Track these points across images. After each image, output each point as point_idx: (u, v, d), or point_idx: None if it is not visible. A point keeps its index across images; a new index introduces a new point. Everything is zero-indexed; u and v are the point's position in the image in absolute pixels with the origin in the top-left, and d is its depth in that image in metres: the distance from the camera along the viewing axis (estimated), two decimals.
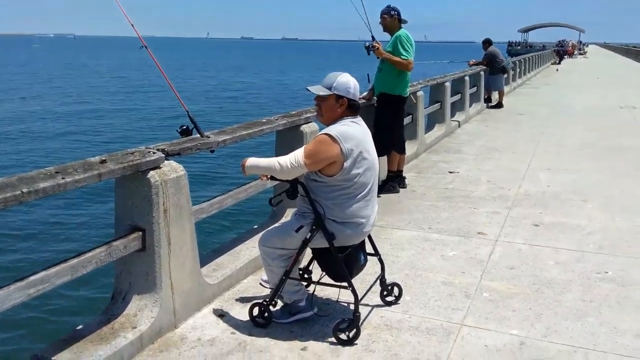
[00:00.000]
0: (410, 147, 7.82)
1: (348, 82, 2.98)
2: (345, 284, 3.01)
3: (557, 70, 29.75)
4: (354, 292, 2.97)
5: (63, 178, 2.53)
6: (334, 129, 2.90)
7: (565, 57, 41.05)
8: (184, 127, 3.57)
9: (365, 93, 6.05)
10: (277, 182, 3.45)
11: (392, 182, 6.02)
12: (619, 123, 11.08)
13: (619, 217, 5.14)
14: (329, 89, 2.96)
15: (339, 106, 2.98)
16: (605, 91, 17.99)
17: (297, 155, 2.90)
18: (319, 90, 3.03)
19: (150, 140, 3.49)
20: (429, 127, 9.65)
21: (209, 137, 3.58)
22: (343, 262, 3.00)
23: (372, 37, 5.74)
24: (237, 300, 3.52)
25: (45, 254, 7.41)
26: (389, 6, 5.65)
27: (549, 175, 6.74)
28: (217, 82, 40.81)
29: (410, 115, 7.69)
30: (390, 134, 5.82)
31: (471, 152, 8.29)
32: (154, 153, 3.08)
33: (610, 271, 3.93)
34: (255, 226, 4.55)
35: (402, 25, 5.65)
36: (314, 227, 2.96)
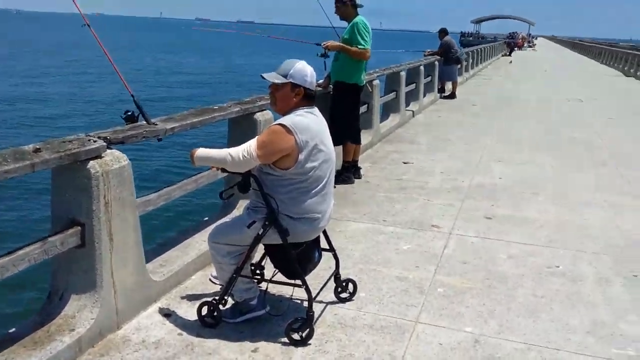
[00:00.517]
0: (365, 137, 7.74)
1: (305, 70, 2.84)
2: (299, 281, 2.89)
3: (510, 62, 30.39)
4: (307, 290, 2.86)
5: None
6: (288, 119, 2.76)
7: (515, 49, 42.02)
8: (129, 113, 3.36)
9: (321, 81, 5.92)
10: (228, 174, 3.27)
11: (348, 172, 5.94)
12: (568, 115, 11.38)
13: (569, 210, 5.23)
14: (285, 76, 2.82)
15: (294, 95, 2.84)
16: (554, 83, 18.49)
17: (250, 147, 2.75)
18: (273, 77, 2.88)
19: (93, 127, 3.27)
20: (383, 117, 9.63)
21: (156, 125, 3.37)
22: (297, 259, 2.88)
23: (316, 43, 5.61)
24: (184, 298, 3.35)
25: None
26: None
27: (501, 167, 6.81)
28: (169, 65, 39.41)
29: (366, 105, 7.62)
30: (346, 124, 5.72)
31: (425, 142, 8.31)
32: (94, 141, 2.86)
33: (561, 265, 3.97)
34: (206, 218, 4.37)
35: (358, 10, 5.52)
36: (266, 223, 2.82)
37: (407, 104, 10.81)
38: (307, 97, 2.85)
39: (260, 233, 2.84)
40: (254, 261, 3.21)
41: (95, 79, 27.13)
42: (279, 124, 2.74)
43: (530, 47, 56.21)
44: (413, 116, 10.65)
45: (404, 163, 6.91)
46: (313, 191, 2.80)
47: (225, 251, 2.94)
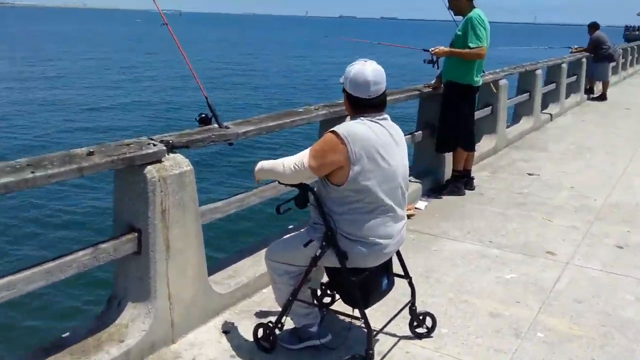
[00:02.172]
0: (487, 142, 7.09)
1: (356, 75, 2.44)
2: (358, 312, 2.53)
3: None
4: (367, 325, 2.49)
5: (32, 172, 2.25)
6: (343, 127, 2.41)
7: None
8: (203, 116, 3.23)
9: (433, 81, 5.43)
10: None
11: (457, 182, 5.38)
12: None
13: None
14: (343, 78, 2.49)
15: (347, 100, 2.49)
16: None
17: (303, 156, 2.44)
18: (342, 77, 2.55)
19: (169, 130, 3.18)
20: (514, 120, 8.78)
21: (227, 128, 3.20)
22: (358, 286, 2.52)
23: (423, 49, 5.13)
24: (249, 314, 3.15)
25: (43, 249, 6.60)
26: None
27: None
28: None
29: (490, 107, 6.93)
30: (457, 128, 5.17)
31: (558, 150, 7.37)
32: (154, 145, 2.74)
33: None
34: (291, 226, 4.14)
35: (474, 2, 4.94)
36: (324, 243, 2.50)
37: (545, 106, 9.78)
38: (359, 105, 2.46)
39: (317, 254, 2.53)
40: (323, 280, 2.91)
41: (178, 81, 24.69)
42: (332, 131, 2.40)
43: None
44: (551, 119, 9.59)
45: (529, 174, 6.14)
46: (373, 212, 2.42)
47: (282, 270, 2.68)
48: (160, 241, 2.73)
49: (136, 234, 2.72)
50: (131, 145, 2.69)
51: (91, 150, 2.54)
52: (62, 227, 7.56)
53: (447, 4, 5.04)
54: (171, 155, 2.82)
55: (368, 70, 2.42)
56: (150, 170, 2.67)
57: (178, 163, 2.81)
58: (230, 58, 38.85)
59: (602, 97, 12.09)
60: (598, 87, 12.41)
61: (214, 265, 3.39)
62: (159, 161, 2.73)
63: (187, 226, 2.87)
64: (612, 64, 12.87)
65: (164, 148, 2.76)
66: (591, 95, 12.18)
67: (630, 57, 17.57)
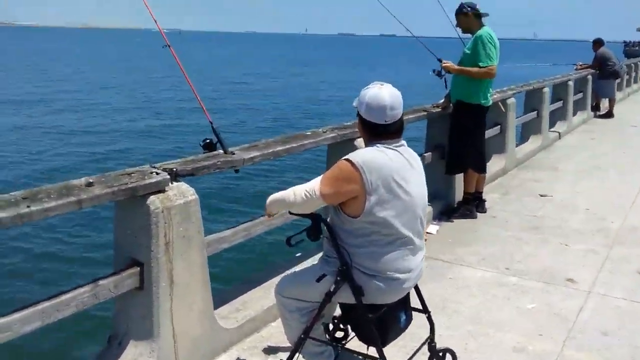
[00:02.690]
0: (497, 162, 6.94)
1: (371, 100, 2.29)
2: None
3: None
4: None
5: (28, 206, 2.10)
6: (358, 155, 2.26)
7: None
8: (208, 141, 3.09)
9: (441, 101, 5.31)
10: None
11: (469, 205, 5.23)
12: None
13: None
14: (357, 102, 2.35)
15: (362, 126, 2.34)
16: None
17: (315, 184, 2.29)
18: (356, 100, 2.41)
19: (172, 157, 3.04)
20: (522, 139, 8.64)
21: (233, 154, 3.06)
22: (375, 323, 2.36)
23: (438, 58, 4.99)
24: (258, 350, 2.98)
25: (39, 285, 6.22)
26: (461, 3, 4.86)
27: None
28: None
29: (499, 126, 6.80)
30: (467, 149, 5.03)
31: (570, 169, 7.22)
32: (157, 174, 2.61)
33: None
34: (299, 254, 3.98)
35: (483, 19, 4.83)
36: (338, 278, 2.34)
37: (553, 125, 9.66)
38: (375, 131, 2.31)
39: (331, 289, 2.37)
40: (336, 312, 2.75)
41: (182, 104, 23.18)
42: (346, 159, 2.25)
43: None
44: (559, 138, 9.45)
45: (541, 196, 5.98)
46: (391, 245, 2.26)
47: (293, 306, 2.51)
48: (164, 275, 2.58)
49: (138, 268, 2.57)
50: (133, 175, 2.55)
51: (90, 180, 2.40)
52: (59, 261, 7.17)
53: (455, 22, 4.93)
54: (175, 184, 2.67)
55: (385, 95, 2.28)
56: (154, 201, 2.53)
57: (182, 192, 2.67)
58: (232, 78, 38.33)
59: (609, 115, 11.97)
60: (604, 104, 12.30)
61: (221, 298, 3.23)
62: (163, 191, 2.59)
63: (192, 258, 2.72)
64: (618, 81, 12.78)
65: (168, 177, 2.62)
66: (598, 113, 12.07)
67: (634, 74, 17.50)
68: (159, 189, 2.57)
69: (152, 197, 2.53)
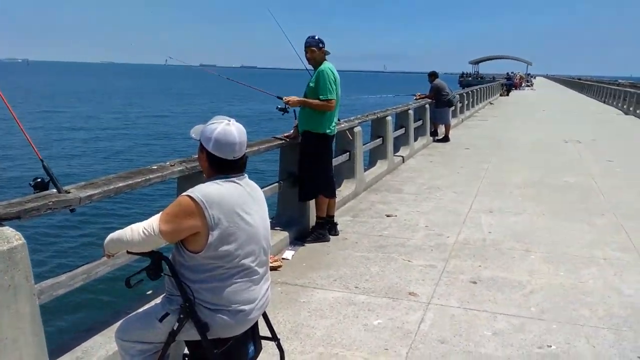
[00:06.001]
0: (348, 187, 7.29)
1: (220, 133, 2.29)
2: None
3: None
4: None
5: None
6: (199, 190, 2.25)
7: (513, 89, 41.85)
8: (39, 180, 2.87)
9: (290, 131, 5.49)
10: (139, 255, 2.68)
11: (321, 229, 5.42)
12: (564, 158, 10.88)
13: (563, 270, 4.68)
14: (198, 134, 2.35)
15: (205, 159, 2.35)
16: (551, 124, 18.08)
17: (153, 220, 2.24)
18: (192, 132, 2.41)
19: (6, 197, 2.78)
20: (370, 164, 9.18)
21: (68, 193, 2.89)
22: (223, 358, 2.34)
23: (277, 96, 5.27)
24: None
25: None
26: (315, 37, 5.12)
27: (491, 219, 6.28)
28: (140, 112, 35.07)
29: (348, 153, 7.18)
30: (317, 177, 5.25)
31: (412, 191, 7.80)
32: None
33: (554, 344, 3.40)
34: (149, 292, 3.83)
35: (326, 56, 5.13)
36: (182, 316, 2.30)
37: (397, 149, 10.40)
38: (221, 166, 2.32)
39: (175, 328, 2.32)
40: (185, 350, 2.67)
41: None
42: (187, 195, 2.24)
43: (528, 86, 56.25)
44: (403, 162, 10.20)
45: (387, 216, 6.39)
46: (234, 277, 2.28)
47: (135, 350, 2.41)
48: None
49: None
50: None
51: None
52: None
53: (307, 54, 5.13)
54: None
55: (234, 132, 2.29)
56: None
57: (7, 237, 2.45)
58: (73, 110, 35.92)
59: (445, 139, 13.19)
60: (441, 130, 13.52)
61: (59, 347, 2.99)
62: None
63: (20, 310, 2.50)
64: (452, 108, 14.15)
65: None
66: (436, 137, 13.23)
67: (466, 102, 19.49)
68: None
69: None
